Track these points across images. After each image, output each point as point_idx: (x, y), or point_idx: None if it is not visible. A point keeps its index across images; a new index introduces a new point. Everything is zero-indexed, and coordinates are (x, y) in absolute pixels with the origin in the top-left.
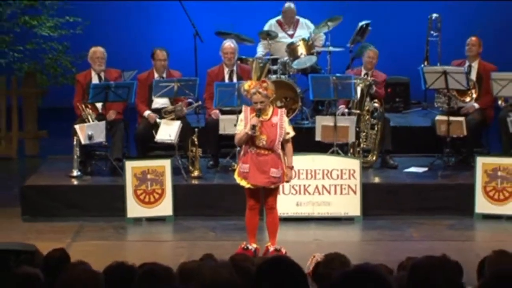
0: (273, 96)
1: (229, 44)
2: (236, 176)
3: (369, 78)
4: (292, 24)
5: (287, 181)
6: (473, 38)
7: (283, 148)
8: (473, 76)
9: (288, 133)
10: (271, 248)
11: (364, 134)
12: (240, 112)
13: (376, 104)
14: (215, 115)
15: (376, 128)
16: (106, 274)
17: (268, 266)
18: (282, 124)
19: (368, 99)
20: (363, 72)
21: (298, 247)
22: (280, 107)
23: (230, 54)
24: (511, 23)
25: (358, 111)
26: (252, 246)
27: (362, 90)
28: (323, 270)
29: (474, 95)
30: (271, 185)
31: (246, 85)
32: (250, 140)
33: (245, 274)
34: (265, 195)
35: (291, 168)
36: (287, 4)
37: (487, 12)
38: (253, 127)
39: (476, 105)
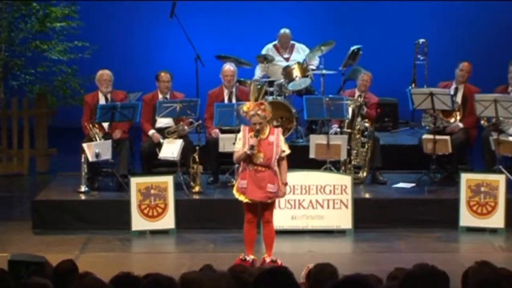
0: (270, 116)
1: (228, 67)
2: (235, 191)
3: (360, 99)
4: (288, 48)
5: (281, 197)
6: (466, 64)
7: (278, 165)
8: (459, 98)
9: (283, 151)
10: (268, 259)
11: (355, 152)
12: (239, 131)
13: (366, 124)
14: (215, 134)
15: (366, 146)
16: (113, 284)
17: (265, 276)
18: (279, 143)
19: (359, 119)
20: (357, 93)
21: (293, 258)
22: (276, 126)
23: (230, 77)
24: (493, 48)
25: (349, 130)
26: (250, 257)
27: (353, 111)
28: (313, 279)
29: (458, 117)
30: (267, 199)
31: (245, 107)
32: (248, 157)
33: (243, 284)
34: (262, 209)
35: (285, 184)
36: (282, 30)
37: (471, 38)
38: (252, 147)
39: (461, 125)
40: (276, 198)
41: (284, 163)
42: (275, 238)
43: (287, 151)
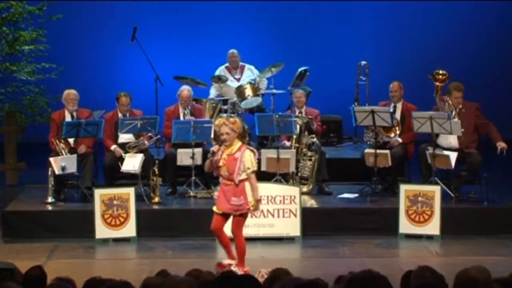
0: (239, 131)
1: (186, 91)
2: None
3: (305, 115)
4: (239, 68)
5: (252, 212)
6: (395, 84)
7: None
8: (398, 115)
9: (248, 168)
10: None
11: (301, 164)
12: (195, 146)
13: (313, 139)
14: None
15: (313, 159)
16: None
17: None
18: (242, 159)
19: (306, 133)
20: (297, 111)
21: (246, 263)
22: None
23: (186, 102)
24: (428, 68)
25: (297, 145)
26: (231, 261)
27: (300, 127)
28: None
29: (398, 132)
30: (232, 211)
31: (217, 120)
32: (217, 170)
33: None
34: (232, 221)
35: (258, 200)
36: (230, 50)
37: (408, 60)
38: (213, 152)
39: (400, 140)
40: (242, 211)
41: (251, 181)
42: (245, 250)
43: (252, 168)
